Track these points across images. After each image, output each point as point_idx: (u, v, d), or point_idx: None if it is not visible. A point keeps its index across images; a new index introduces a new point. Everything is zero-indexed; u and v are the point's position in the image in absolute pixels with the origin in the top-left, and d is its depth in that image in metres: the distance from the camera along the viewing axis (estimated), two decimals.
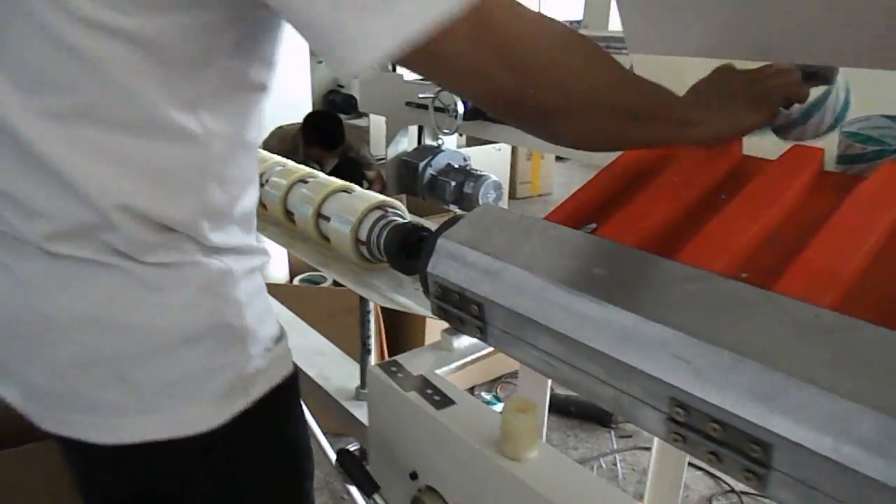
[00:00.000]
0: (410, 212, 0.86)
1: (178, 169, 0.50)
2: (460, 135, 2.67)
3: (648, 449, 1.16)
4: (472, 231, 0.56)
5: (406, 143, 3.13)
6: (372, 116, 4.42)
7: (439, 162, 2.96)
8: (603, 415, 1.85)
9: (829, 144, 0.62)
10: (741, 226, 0.53)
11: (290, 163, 0.99)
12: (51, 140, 0.46)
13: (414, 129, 3.15)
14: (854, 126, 0.62)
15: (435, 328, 1.84)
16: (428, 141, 3.13)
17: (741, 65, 0.63)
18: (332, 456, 0.84)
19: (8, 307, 0.52)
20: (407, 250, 0.73)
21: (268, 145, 2.75)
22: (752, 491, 0.56)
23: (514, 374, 2.07)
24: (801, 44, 0.62)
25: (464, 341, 0.63)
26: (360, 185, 3.20)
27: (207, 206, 0.52)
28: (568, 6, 5.00)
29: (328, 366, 0.89)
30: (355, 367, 0.88)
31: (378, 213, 0.80)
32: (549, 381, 0.75)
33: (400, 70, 2.97)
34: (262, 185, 0.94)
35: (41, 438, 0.92)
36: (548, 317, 0.47)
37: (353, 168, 3.03)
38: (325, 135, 2.92)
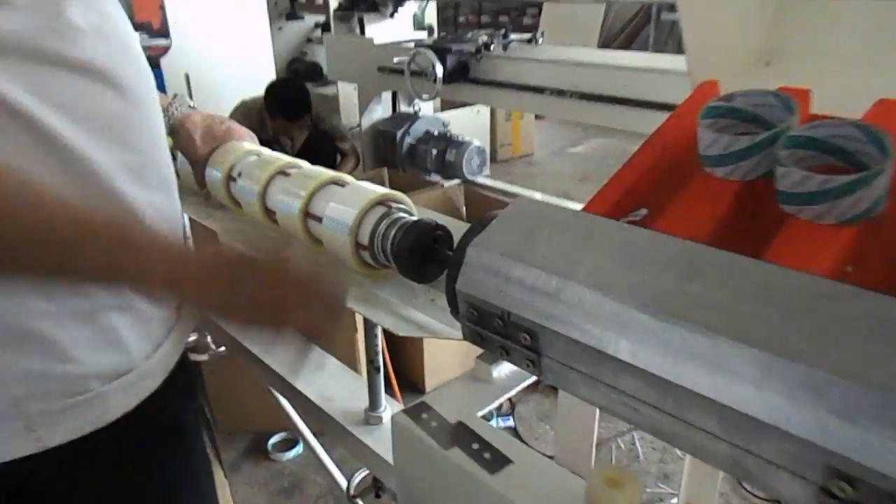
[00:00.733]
0: (390, 186, 0.73)
1: None
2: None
3: None
4: (511, 235, 0.44)
5: (380, 111, 2.96)
6: (340, 84, 4.20)
7: (418, 129, 2.80)
8: None
9: None
10: None
11: (266, 150, 0.84)
12: None
13: (388, 96, 2.98)
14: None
15: None
16: (403, 108, 2.97)
17: None
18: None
19: None
20: (421, 254, 0.61)
21: None
22: None
23: (534, 386, 1.86)
24: None
25: (505, 368, 0.51)
26: (335, 159, 3.03)
27: None
28: None
29: (329, 383, 0.77)
30: (360, 383, 0.76)
31: (380, 211, 0.66)
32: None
33: (370, 32, 2.79)
34: (233, 180, 0.80)
35: None
36: (632, 351, 0.36)
37: (325, 141, 2.86)
38: (288, 104, 2.73)
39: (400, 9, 2.61)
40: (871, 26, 0.65)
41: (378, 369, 0.67)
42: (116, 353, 0.55)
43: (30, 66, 0.50)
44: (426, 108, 2.87)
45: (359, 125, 2.90)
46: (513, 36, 2.14)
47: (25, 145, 0.49)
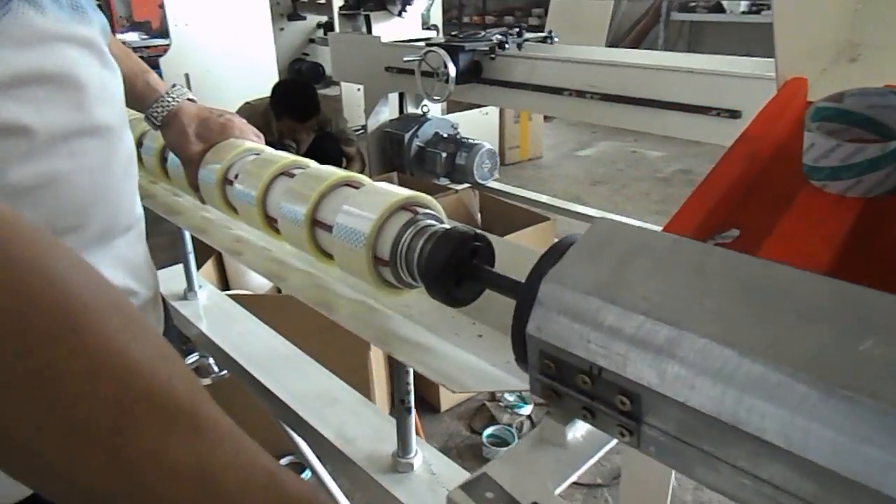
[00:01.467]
0: None
1: None
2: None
3: None
4: (596, 268, 0.35)
5: (387, 112, 2.87)
6: (344, 85, 4.12)
7: (426, 132, 2.71)
8: None
9: None
10: None
11: (268, 149, 0.74)
12: None
13: (394, 97, 2.89)
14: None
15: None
16: (411, 109, 2.88)
17: None
18: None
19: None
20: (458, 272, 0.50)
21: None
22: None
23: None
24: None
25: (580, 429, 0.42)
26: (340, 164, 2.95)
27: None
28: None
29: (349, 420, 0.67)
30: (382, 420, 0.67)
31: (404, 217, 0.54)
32: None
33: (377, 31, 2.70)
34: (230, 183, 0.70)
35: None
36: (784, 432, 0.27)
37: (332, 145, 2.77)
38: (296, 104, 2.63)
39: (409, 7, 2.52)
40: None
41: (409, 410, 0.58)
42: None
43: None
44: (434, 109, 2.79)
45: (364, 127, 2.82)
46: (527, 35, 2.06)
47: None
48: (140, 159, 0.86)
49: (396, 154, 2.63)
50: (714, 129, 1.44)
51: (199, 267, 1.09)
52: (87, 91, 0.53)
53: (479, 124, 3.38)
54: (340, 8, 2.73)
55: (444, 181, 2.53)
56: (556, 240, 0.39)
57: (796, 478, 0.28)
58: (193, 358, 1.02)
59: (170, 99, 0.73)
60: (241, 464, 0.31)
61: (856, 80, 0.62)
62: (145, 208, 0.68)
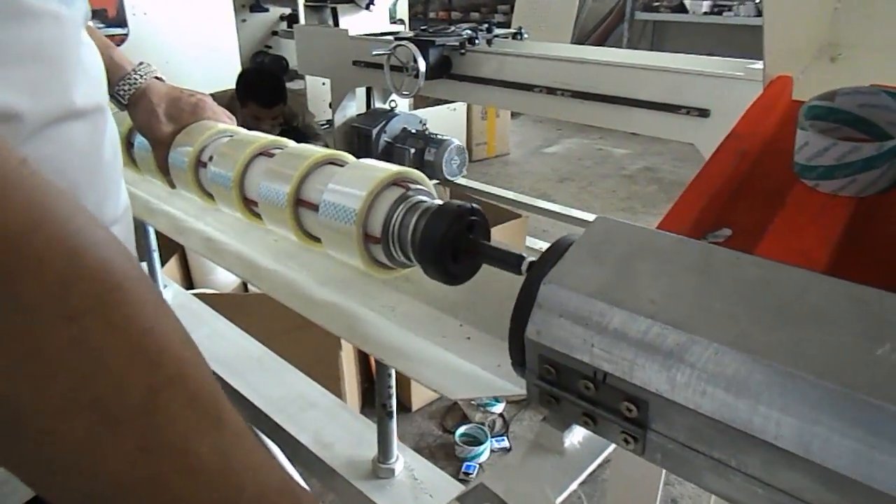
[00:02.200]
0: None
1: None
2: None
3: None
4: (598, 269, 0.34)
5: (354, 107, 2.82)
6: (308, 79, 4.04)
7: (394, 127, 2.67)
8: None
9: None
10: None
11: (243, 130, 0.70)
12: None
13: (362, 92, 2.84)
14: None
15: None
16: (378, 104, 2.84)
17: None
18: None
19: None
20: (454, 247, 0.48)
21: None
22: None
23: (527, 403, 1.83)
24: None
25: (577, 435, 0.41)
26: None
27: None
28: None
29: (326, 425, 0.65)
30: (361, 424, 0.65)
31: (396, 192, 0.52)
32: None
33: (344, 24, 2.65)
34: (203, 165, 0.67)
35: None
36: (802, 442, 0.26)
37: (298, 139, 2.71)
38: (262, 89, 2.58)
39: (376, 0, 2.49)
40: None
41: (391, 414, 0.56)
42: None
43: None
44: (401, 105, 2.76)
45: (330, 122, 2.77)
46: (498, 31, 2.05)
47: None
48: None
49: (364, 149, 2.59)
50: (683, 126, 1.45)
51: (162, 265, 1.05)
52: (74, 73, 0.50)
53: (446, 120, 3.36)
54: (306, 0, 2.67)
55: None
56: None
57: (814, 486, 0.27)
58: None
59: (137, 76, 0.69)
60: (258, 465, 0.29)
61: (836, 78, 0.63)
62: None
